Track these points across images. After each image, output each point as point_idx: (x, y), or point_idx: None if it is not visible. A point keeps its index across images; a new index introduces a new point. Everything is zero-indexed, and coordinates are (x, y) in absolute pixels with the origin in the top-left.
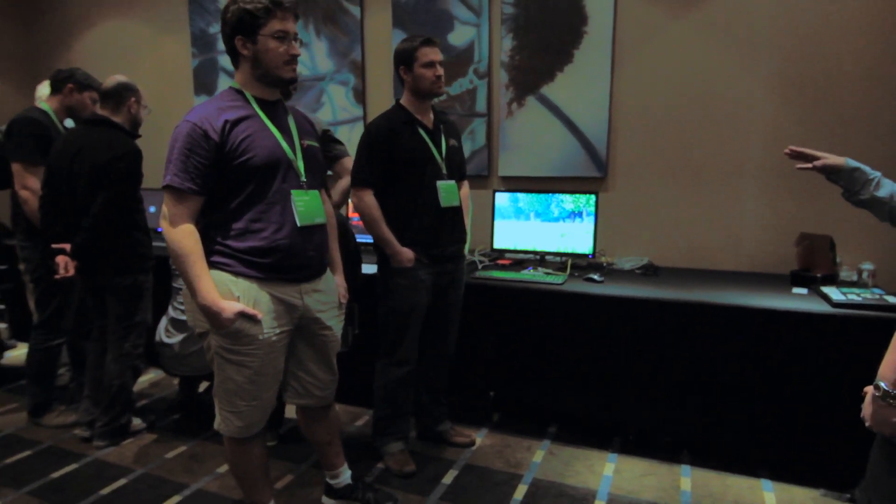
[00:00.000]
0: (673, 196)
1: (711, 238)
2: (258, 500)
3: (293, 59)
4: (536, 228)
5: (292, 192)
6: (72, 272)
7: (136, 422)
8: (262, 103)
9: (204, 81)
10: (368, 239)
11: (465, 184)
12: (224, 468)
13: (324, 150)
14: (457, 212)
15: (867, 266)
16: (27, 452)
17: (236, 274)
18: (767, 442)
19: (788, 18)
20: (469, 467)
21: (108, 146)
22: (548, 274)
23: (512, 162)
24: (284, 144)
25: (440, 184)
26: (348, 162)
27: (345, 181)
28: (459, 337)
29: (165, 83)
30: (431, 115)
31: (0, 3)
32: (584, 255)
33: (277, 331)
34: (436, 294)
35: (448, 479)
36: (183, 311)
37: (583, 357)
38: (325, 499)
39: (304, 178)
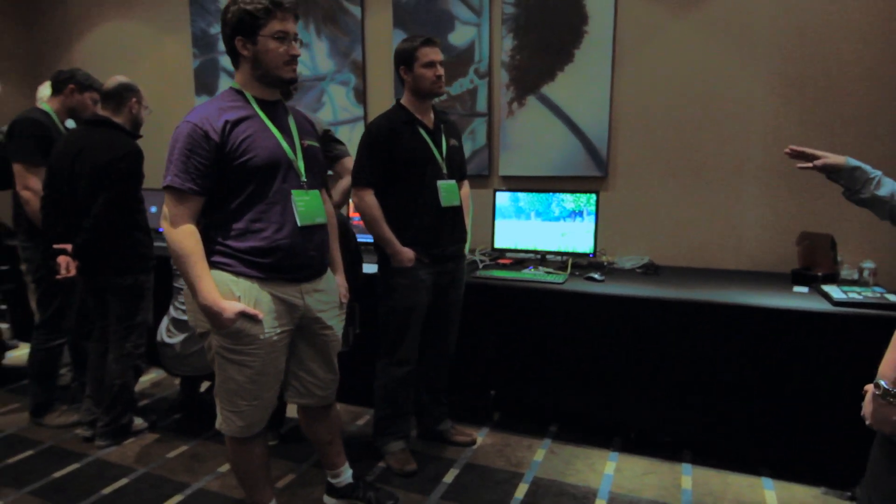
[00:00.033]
0: (673, 195)
1: (712, 237)
2: (259, 499)
3: (293, 60)
4: (537, 228)
5: (293, 192)
6: (73, 272)
7: (138, 421)
8: (263, 104)
9: (205, 82)
10: (369, 239)
11: (466, 183)
12: (225, 468)
13: (324, 150)
14: (457, 211)
15: (868, 264)
16: (29, 452)
17: (237, 274)
18: (768, 440)
19: (788, 18)
20: (470, 466)
21: (109, 147)
22: (548, 273)
23: (512, 161)
24: (285, 144)
25: (441, 183)
26: (349, 162)
27: (346, 181)
28: (460, 336)
29: (166, 83)
30: (432, 115)
31: (1, 4)
32: (585, 255)
33: (278, 330)
34: (436, 294)
35: (449, 478)
36: (184, 311)
37: (584, 356)
38: (326, 498)
39: (304, 178)
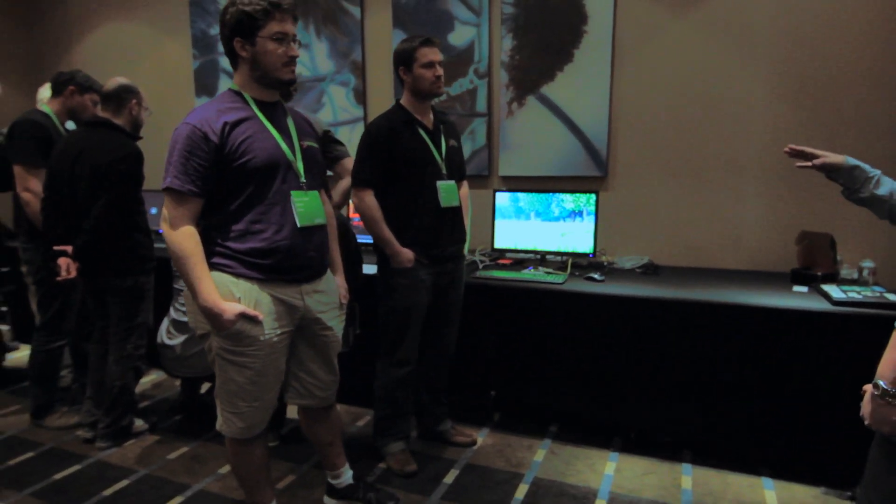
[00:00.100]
0: (673, 195)
1: (712, 237)
2: (260, 500)
3: (292, 61)
4: (537, 228)
5: (292, 193)
6: (73, 274)
7: (139, 423)
8: (262, 105)
9: (205, 83)
10: (369, 239)
11: (465, 184)
12: (226, 469)
13: (324, 150)
14: (457, 212)
15: (867, 264)
16: (29, 454)
17: (237, 275)
18: (768, 440)
19: (788, 18)
20: (470, 467)
21: (109, 148)
22: (548, 273)
23: (512, 161)
24: (284, 146)
25: (440, 184)
26: (349, 162)
27: (345, 182)
28: (460, 337)
29: (166, 85)
30: (431, 116)
31: (1, 5)
32: (585, 255)
33: (278, 332)
34: (436, 294)
35: (449, 478)
36: (184, 313)
37: (583, 356)
38: (326, 499)
39: (303, 179)
